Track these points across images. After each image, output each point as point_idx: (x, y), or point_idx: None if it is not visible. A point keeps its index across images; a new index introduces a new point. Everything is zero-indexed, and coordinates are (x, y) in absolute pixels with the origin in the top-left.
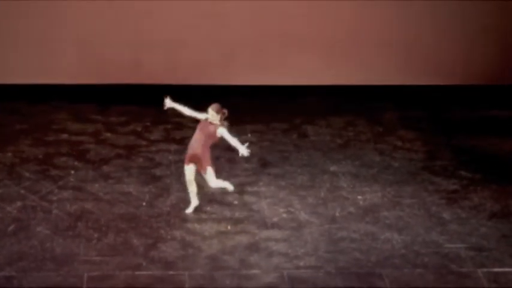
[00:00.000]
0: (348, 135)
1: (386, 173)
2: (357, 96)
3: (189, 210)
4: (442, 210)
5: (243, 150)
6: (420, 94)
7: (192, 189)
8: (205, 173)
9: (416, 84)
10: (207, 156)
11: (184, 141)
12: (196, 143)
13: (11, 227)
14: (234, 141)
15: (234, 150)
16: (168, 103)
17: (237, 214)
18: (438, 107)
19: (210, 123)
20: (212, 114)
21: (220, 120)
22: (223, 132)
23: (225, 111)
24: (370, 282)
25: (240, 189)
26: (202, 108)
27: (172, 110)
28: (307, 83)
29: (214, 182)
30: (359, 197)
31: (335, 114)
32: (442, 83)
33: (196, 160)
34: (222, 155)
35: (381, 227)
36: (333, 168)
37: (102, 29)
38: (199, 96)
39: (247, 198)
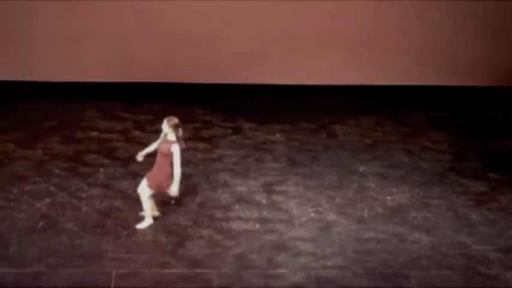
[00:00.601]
0: (377, 135)
1: (414, 174)
2: (386, 97)
3: (142, 226)
4: (470, 212)
5: (174, 190)
6: (449, 95)
7: (149, 204)
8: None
9: (444, 85)
10: (166, 176)
11: (212, 140)
12: (158, 169)
13: (40, 224)
14: (177, 169)
15: (262, 150)
16: (140, 157)
17: (265, 213)
18: (466, 108)
19: (166, 140)
20: (166, 129)
21: (177, 136)
22: (175, 150)
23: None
24: (397, 283)
25: (268, 189)
26: (229, 108)
27: (202, 109)
28: (336, 83)
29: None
30: (387, 198)
31: (364, 114)
32: (470, 84)
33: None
34: (250, 154)
35: (409, 228)
36: (361, 168)
37: (132, 27)
38: (227, 95)
39: (275, 197)
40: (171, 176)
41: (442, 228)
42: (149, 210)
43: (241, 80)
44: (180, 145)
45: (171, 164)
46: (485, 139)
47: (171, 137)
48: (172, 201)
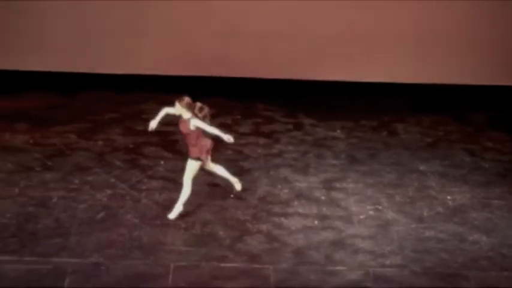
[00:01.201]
0: (438, 134)
1: (475, 174)
2: (448, 95)
3: (173, 215)
4: None
5: (226, 137)
6: (511, 95)
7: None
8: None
9: (508, 85)
10: (204, 144)
11: (273, 135)
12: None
13: (100, 215)
14: (212, 129)
15: (322, 146)
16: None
17: (324, 210)
18: None
19: (183, 120)
20: (178, 109)
21: (193, 113)
22: (195, 122)
23: (202, 106)
24: (456, 283)
25: (327, 185)
26: (290, 103)
27: (263, 104)
28: (397, 81)
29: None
30: (447, 197)
31: (425, 113)
32: None
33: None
34: (310, 150)
35: (469, 228)
36: (421, 167)
37: (195, 21)
38: (289, 91)
39: (335, 194)
40: (208, 141)
41: (503, 229)
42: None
43: (303, 75)
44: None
45: (200, 137)
46: None
47: (186, 115)
48: (232, 195)
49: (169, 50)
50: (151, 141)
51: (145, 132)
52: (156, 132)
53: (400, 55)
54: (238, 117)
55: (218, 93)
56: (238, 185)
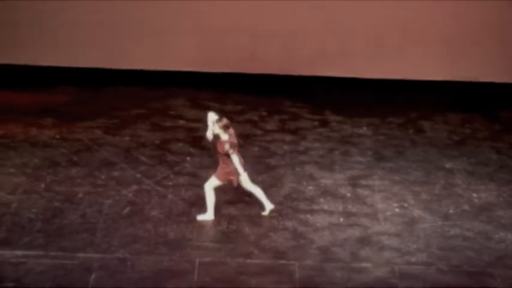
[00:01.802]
0: (465, 132)
1: (502, 172)
2: (475, 93)
3: (201, 218)
4: None
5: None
6: None
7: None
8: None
9: None
10: (233, 170)
11: (299, 132)
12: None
13: (126, 210)
14: (239, 167)
15: (348, 143)
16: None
17: (349, 207)
18: None
19: (220, 141)
20: (216, 128)
21: (223, 130)
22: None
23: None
24: (482, 281)
25: (353, 182)
26: (316, 100)
27: (289, 101)
28: (424, 78)
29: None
30: (474, 195)
31: (452, 111)
32: None
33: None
34: (336, 147)
35: (495, 227)
36: (448, 165)
37: (221, 18)
38: (315, 88)
39: (361, 191)
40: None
41: None
42: (211, 205)
43: (329, 72)
44: (226, 147)
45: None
46: None
47: (223, 136)
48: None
49: (196, 46)
50: (178, 138)
51: (172, 128)
52: (182, 128)
53: (428, 53)
54: (265, 113)
55: (245, 90)
56: (268, 209)
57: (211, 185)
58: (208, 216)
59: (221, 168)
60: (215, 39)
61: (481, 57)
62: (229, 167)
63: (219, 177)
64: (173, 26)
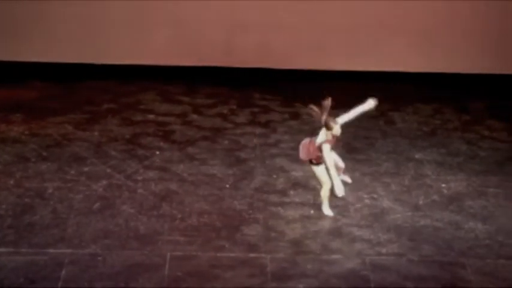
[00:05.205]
0: (435, 123)
1: (472, 162)
2: (446, 84)
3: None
4: None
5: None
6: (511, 83)
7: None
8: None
9: (507, 73)
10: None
11: (269, 125)
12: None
13: (97, 205)
14: (330, 168)
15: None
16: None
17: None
18: None
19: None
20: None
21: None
22: (324, 148)
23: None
24: (453, 271)
25: None
26: (287, 93)
27: (260, 94)
28: (395, 69)
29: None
30: (443, 186)
31: (423, 102)
32: None
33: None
34: None
35: (465, 216)
36: (418, 155)
37: (194, 11)
38: (286, 80)
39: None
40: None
41: (499, 217)
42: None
43: (300, 65)
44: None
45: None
46: None
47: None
48: (227, 185)
49: (167, 40)
50: (148, 132)
51: (143, 122)
52: (153, 122)
53: (399, 44)
54: (235, 107)
55: (215, 83)
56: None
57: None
58: (339, 187)
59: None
60: (186, 32)
61: (451, 49)
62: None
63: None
64: (144, 20)
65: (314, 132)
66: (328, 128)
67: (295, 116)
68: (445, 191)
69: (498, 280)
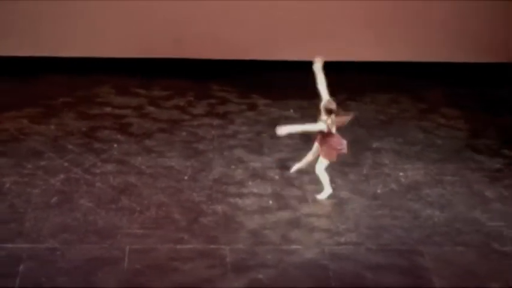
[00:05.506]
0: (392, 112)
1: (429, 151)
2: (402, 73)
3: (322, 196)
4: (484, 189)
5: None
6: (466, 72)
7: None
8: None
9: (462, 62)
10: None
11: (227, 116)
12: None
13: (54, 199)
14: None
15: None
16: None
17: (278, 189)
18: (484, 85)
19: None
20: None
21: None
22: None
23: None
24: (412, 259)
25: (282, 165)
26: (244, 84)
27: (217, 85)
28: (351, 59)
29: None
30: (401, 174)
31: (380, 91)
32: (488, 61)
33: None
34: (264, 130)
35: (423, 205)
36: (375, 145)
37: (147, 2)
38: (243, 71)
39: (289, 174)
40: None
41: (457, 204)
42: (327, 181)
43: (256, 56)
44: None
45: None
46: (502, 116)
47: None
48: (185, 177)
49: (123, 32)
50: (105, 125)
51: (99, 115)
52: (109, 115)
53: (354, 33)
54: (192, 98)
55: (172, 75)
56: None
57: (323, 166)
58: (327, 191)
59: (327, 146)
60: (142, 24)
61: (407, 38)
62: (332, 140)
63: (330, 156)
64: (99, 13)
65: (271, 123)
66: (329, 112)
67: (253, 107)
68: (403, 180)
69: (456, 267)
